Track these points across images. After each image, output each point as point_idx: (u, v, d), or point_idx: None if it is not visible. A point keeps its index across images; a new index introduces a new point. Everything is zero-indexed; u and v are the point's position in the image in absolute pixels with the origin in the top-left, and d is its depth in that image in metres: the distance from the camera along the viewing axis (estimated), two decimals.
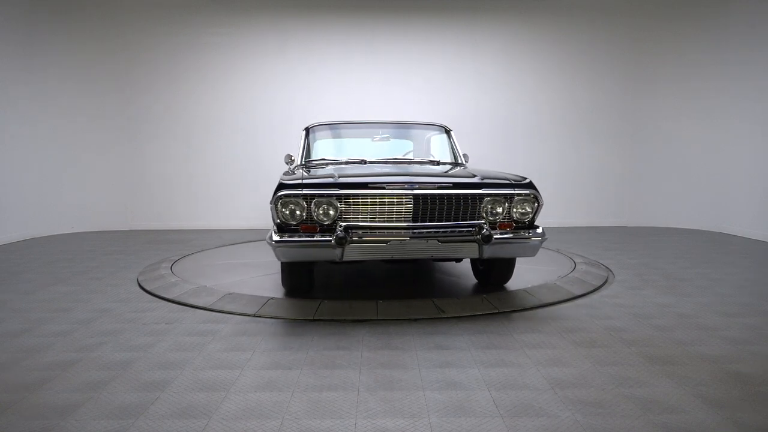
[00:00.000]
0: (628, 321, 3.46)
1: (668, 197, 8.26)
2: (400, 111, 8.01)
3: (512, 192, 3.57)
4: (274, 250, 3.44)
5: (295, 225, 3.47)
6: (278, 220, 3.46)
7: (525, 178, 3.72)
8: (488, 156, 8.14)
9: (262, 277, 4.66)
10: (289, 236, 3.41)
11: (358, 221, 3.45)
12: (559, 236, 7.15)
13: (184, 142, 8.21)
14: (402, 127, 5.20)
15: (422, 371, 2.65)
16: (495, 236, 3.45)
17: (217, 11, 8.05)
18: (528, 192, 3.60)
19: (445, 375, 2.60)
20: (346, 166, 4.35)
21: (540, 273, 4.72)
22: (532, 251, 3.64)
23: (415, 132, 5.18)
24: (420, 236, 3.40)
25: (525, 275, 4.64)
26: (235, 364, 2.76)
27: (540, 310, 3.71)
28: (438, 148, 4.90)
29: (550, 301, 3.89)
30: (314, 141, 4.95)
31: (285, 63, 8.15)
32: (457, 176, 3.81)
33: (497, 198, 3.56)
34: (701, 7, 7.79)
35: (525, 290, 4.07)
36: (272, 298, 3.89)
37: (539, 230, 3.64)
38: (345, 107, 8.07)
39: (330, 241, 3.32)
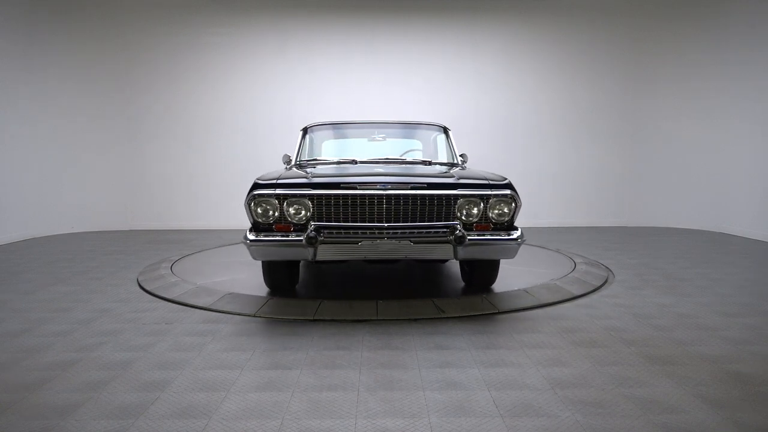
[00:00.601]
0: (628, 321, 3.46)
1: (668, 197, 8.26)
2: (400, 111, 8.01)
3: (488, 193, 3.49)
4: (249, 249, 3.50)
5: (269, 224, 3.52)
6: (252, 220, 3.53)
7: (504, 179, 3.63)
8: (488, 156, 8.14)
9: (261, 277, 4.65)
10: (263, 235, 3.47)
11: (330, 221, 3.46)
12: (559, 236, 7.15)
13: (184, 142, 8.21)
14: (399, 127, 5.20)
15: (422, 371, 2.65)
16: (469, 237, 3.40)
17: (217, 11, 8.05)
18: (504, 193, 3.50)
19: (445, 375, 2.60)
20: (336, 166, 4.41)
21: (540, 273, 4.72)
22: (509, 253, 3.57)
23: (413, 132, 5.17)
24: (392, 237, 3.40)
25: (525, 275, 4.64)
26: (235, 364, 2.76)
27: (540, 310, 3.71)
28: (435, 148, 4.89)
29: (550, 301, 3.89)
30: (311, 141, 4.98)
31: (285, 63, 8.15)
32: (433, 176, 3.74)
33: (472, 199, 3.49)
34: (701, 7, 7.79)
35: (525, 290, 4.07)
36: (272, 298, 3.89)
37: (517, 232, 3.55)
38: (345, 107, 8.07)
39: (301, 240, 3.35)
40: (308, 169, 4.17)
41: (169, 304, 3.92)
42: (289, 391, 2.43)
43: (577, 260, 5.26)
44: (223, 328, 3.33)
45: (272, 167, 6.99)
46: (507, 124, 8.28)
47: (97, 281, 4.67)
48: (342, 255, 3.46)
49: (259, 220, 3.52)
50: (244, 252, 6.03)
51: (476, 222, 3.54)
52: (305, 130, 5.07)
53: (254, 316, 3.58)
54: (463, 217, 3.52)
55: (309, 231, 3.36)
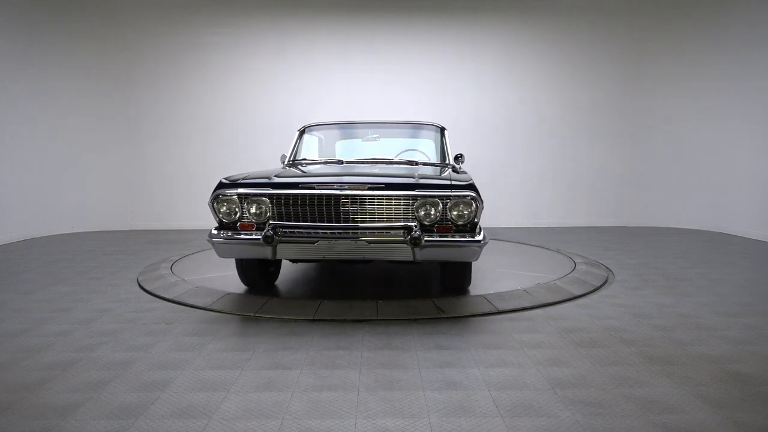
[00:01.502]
0: (628, 321, 3.46)
1: (668, 197, 8.26)
2: (400, 111, 8.01)
3: (448, 194, 3.40)
4: (213, 247, 3.60)
5: (233, 223, 3.60)
6: (217, 219, 3.63)
7: (467, 180, 3.54)
8: (488, 156, 8.15)
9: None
10: (224, 234, 3.57)
11: (290, 221, 3.50)
12: (559, 236, 7.15)
13: (184, 142, 8.21)
14: (395, 127, 5.19)
15: (422, 371, 2.65)
16: (427, 239, 3.34)
17: (217, 11, 8.05)
18: (464, 194, 3.40)
19: (445, 375, 2.60)
20: (320, 166, 4.50)
21: (540, 273, 4.72)
22: (469, 255, 3.47)
23: (408, 132, 5.15)
24: (348, 237, 3.39)
25: (525, 275, 4.64)
26: (235, 364, 2.76)
27: (540, 310, 3.71)
28: (429, 148, 4.85)
29: (550, 301, 3.89)
30: (307, 141, 5.06)
31: (285, 63, 8.15)
32: (393, 177, 3.73)
33: (431, 200, 3.41)
34: (701, 7, 7.79)
35: (525, 290, 4.07)
36: (272, 298, 3.89)
37: (479, 234, 3.47)
38: (345, 107, 8.07)
39: (259, 239, 3.42)
40: (292, 168, 4.24)
41: (169, 304, 3.92)
42: (289, 391, 2.43)
43: (577, 260, 5.26)
44: (223, 328, 3.33)
45: (272, 167, 7.02)
46: (507, 124, 8.28)
47: (97, 281, 4.66)
48: (300, 254, 3.53)
49: (223, 219, 3.62)
50: None
51: (437, 223, 3.46)
52: (302, 131, 5.17)
53: (254, 316, 3.58)
54: (422, 218, 3.45)
55: (266, 230, 3.41)
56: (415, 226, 3.37)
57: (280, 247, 3.45)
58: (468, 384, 2.50)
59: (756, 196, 7.03)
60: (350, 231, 3.41)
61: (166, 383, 2.52)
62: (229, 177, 3.75)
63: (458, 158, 4.77)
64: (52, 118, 7.62)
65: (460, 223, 3.45)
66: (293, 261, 4.08)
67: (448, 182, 3.49)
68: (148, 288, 4.34)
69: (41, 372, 2.65)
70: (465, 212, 3.43)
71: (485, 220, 8.29)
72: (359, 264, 5.05)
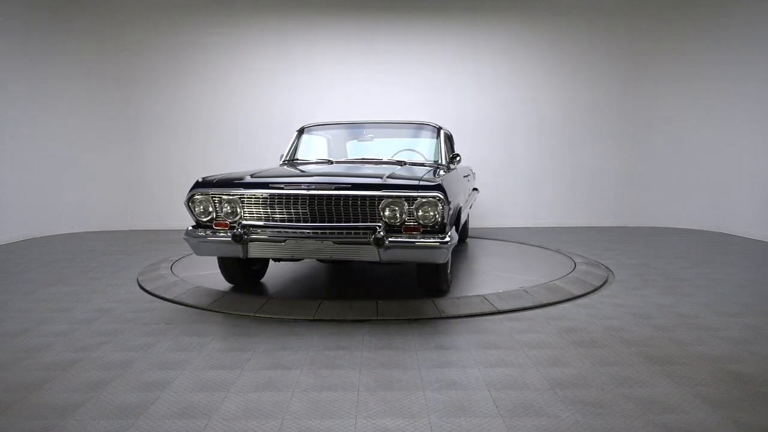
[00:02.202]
0: (628, 321, 3.46)
1: (668, 197, 8.25)
2: (400, 111, 8.01)
3: (413, 194, 3.35)
4: (189, 245, 3.71)
5: (208, 222, 3.71)
6: (193, 218, 3.74)
7: (435, 181, 3.47)
8: (488, 156, 8.15)
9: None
10: (198, 232, 3.68)
11: (260, 220, 3.58)
12: (559, 236, 7.15)
13: (185, 142, 8.21)
14: (391, 127, 5.20)
15: (422, 371, 2.65)
16: (390, 239, 3.32)
17: (217, 11, 8.05)
18: (430, 194, 3.35)
19: (445, 375, 2.60)
20: (312, 166, 4.58)
21: (540, 273, 4.72)
22: (435, 257, 3.39)
23: (404, 132, 5.15)
24: (315, 236, 3.43)
25: (525, 275, 4.64)
26: (235, 364, 2.76)
27: (540, 310, 3.71)
28: (425, 148, 4.84)
29: (550, 301, 3.89)
30: (304, 141, 5.12)
31: (285, 63, 8.15)
32: (361, 177, 3.73)
33: (396, 200, 3.38)
34: (701, 7, 7.79)
35: (525, 290, 4.07)
36: (272, 298, 3.89)
37: (446, 235, 3.40)
38: (345, 107, 8.07)
39: (229, 238, 3.51)
40: (284, 168, 4.33)
41: (169, 304, 3.92)
42: (289, 391, 2.44)
43: (577, 260, 5.26)
44: (223, 328, 3.34)
45: (268, 167, 7.03)
46: (507, 123, 8.28)
47: (97, 281, 4.67)
48: (271, 253, 3.56)
49: (198, 218, 3.73)
50: None
51: (405, 224, 3.44)
52: (300, 131, 5.24)
53: (254, 316, 3.59)
54: (388, 219, 3.43)
55: (236, 229, 3.49)
56: (379, 226, 3.36)
57: (251, 246, 3.52)
58: (468, 384, 2.50)
59: (756, 196, 7.03)
60: (318, 231, 3.46)
61: (166, 383, 2.52)
62: (206, 177, 3.83)
63: (454, 158, 4.75)
64: (52, 118, 7.62)
65: (426, 223, 3.41)
66: (275, 260, 4.09)
67: (415, 182, 3.44)
68: (148, 288, 4.34)
69: (41, 372, 2.65)
70: (431, 213, 3.39)
71: (485, 220, 8.29)
72: (358, 264, 5.06)
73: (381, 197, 3.39)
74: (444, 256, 3.41)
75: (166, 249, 6.30)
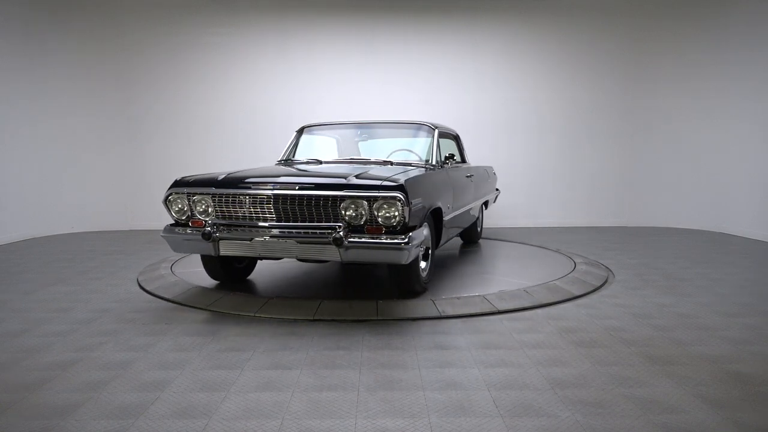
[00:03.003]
0: (628, 321, 3.46)
1: (668, 197, 8.25)
2: (400, 111, 8.01)
3: (374, 194, 3.34)
4: (167, 241, 3.85)
5: (185, 220, 3.82)
6: (171, 216, 3.86)
7: (397, 181, 3.43)
8: (488, 156, 8.14)
9: (261, 277, 4.66)
10: (174, 230, 3.79)
11: (230, 219, 3.68)
12: (559, 236, 7.16)
13: (185, 142, 8.21)
14: (387, 127, 5.20)
15: (422, 371, 2.65)
16: (350, 240, 3.32)
17: (217, 11, 8.05)
18: (388, 195, 3.32)
19: (445, 375, 2.60)
20: (302, 166, 4.67)
21: (540, 273, 4.72)
22: (396, 257, 3.36)
23: (399, 131, 5.14)
24: (278, 236, 3.50)
25: (525, 275, 4.64)
26: (235, 364, 2.76)
27: (540, 310, 3.71)
28: (419, 147, 4.82)
29: (550, 301, 3.89)
30: (301, 141, 5.20)
31: (285, 63, 8.15)
32: (325, 177, 3.74)
33: (357, 200, 3.37)
34: (701, 7, 7.79)
35: (525, 290, 4.07)
36: (272, 298, 3.89)
37: (406, 236, 3.34)
38: (345, 107, 8.07)
39: (198, 236, 3.62)
40: (277, 167, 4.44)
41: (169, 304, 3.92)
42: (289, 391, 2.44)
43: (577, 260, 5.25)
44: (223, 328, 3.34)
45: (265, 166, 7.04)
46: (507, 124, 8.28)
47: (97, 281, 4.67)
48: (240, 251, 3.64)
49: (175, 217, 3.85)
50: None
51: (368, 224, 3.43)
52: (299, 131, 5.32)
53: (254, 316, 3.59)
54: (350, 219, 3.42)
55: (205, 227, 3.60)
56: (339, 226, 3.37)
57: (222, 244, 3.61)
58: (468, 384, 2.50)
59: (756, 196, 7.03)
60: (283, 230, 3.52)
61: (166, 383, 2.52)
62: (183, 177, 3.93)
63: (448, 158, 4.73)
64: (52, 118, 7.62)
65: (388, 224, 3.39)
66: (259, 258, 4.11)
67: (376, 183, 3.43)
68: (148, 288, 4.34)
69: (41, 372, 2.65)
70: (392, 213, 3.37)
71: (485, 220, 8.29)
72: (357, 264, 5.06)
73: (342, 197, 3.40)
74: (406, 257, 3.36)
75: (166, 249, 6.30)
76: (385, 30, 8.16)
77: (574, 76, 8.26)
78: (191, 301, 3.90)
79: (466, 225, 5.65)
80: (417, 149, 4.77)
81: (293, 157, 5.05)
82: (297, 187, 3.49)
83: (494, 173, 6.96)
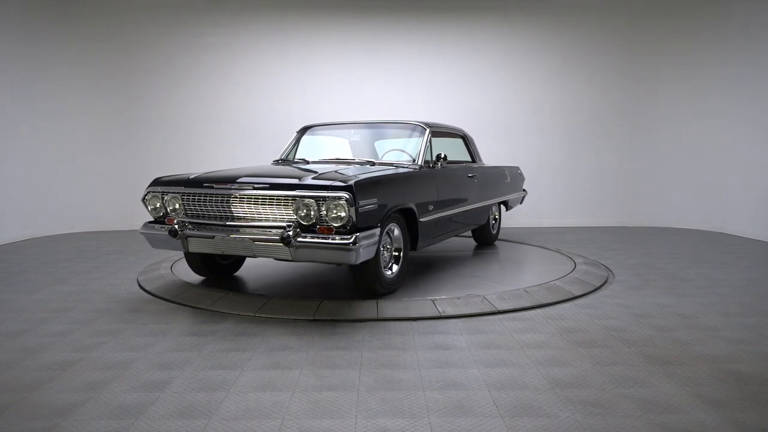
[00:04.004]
0: (628, 321, 3.46)
1: (668, 197, 8.25)
2: (400, 111, 8.01)
3: (323, 195, 3.38)
4: (145, 237, 4.02)
5: (161, 218, 4.00)
6: (149, 213, 4.04)
7: (346, 182, 3.43)
8: (488, 156, 8.13)
9: (262, 277, 4.66)
10: (151, 226, 3.97)
11: (197, 217, 3.85)
12: (559, 236, 7.16)
13: (185, 142, 8.21)
14: (380, 127, 5.21)
15: (422, 371, 2.65)
16: (299, 239, 3.35)
17: (217, 11, 8.05)
18: (335, 195, 3.34)
19: (445, 375, 2.61)
20: (285, 165, 4.77)
21: (540, 273, 4.72)
22: (344, 258, 3.36)
23: (392, 132, 5.14)
24: (237, 234, 3.60)
25: (525, 275, 4.64)
26: (235, 364, 2.76)
27: (540, 310, 3.71)
28: (408, 147, 4.80)
29: (550, 301, 3.89)
30: (299, 141, 5.28)
31: (285, 63, 8.15)
32: (281, 177, 3.78)
33: (307, 200, 3.41)
34: (701, 7, 7.79)
35: (525, 290, 4.07)
36: (272, 298, 3.89)
37: (353, 237, 3.31)
38: (345, 107, 8.07)
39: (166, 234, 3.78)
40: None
41: (169, 304, 3.92)
42: (289, 391, 2.44)
43: (577, 260, 5.25)
44: (223, 328, 3.34)
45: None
46: (507, 123, 8.28)
47: (97, 281, 4.67)
48: (205, 249, 3.77)
49: (153, 214, 4.03)
50: None
51: (317, 224, 3.45)
52: (300, 131, 5.39)
53: (254, 316, 3.59)
54: (301, 219, 3.45)
55: (172, 225, 3.74)
56: (289, 225, 3.42)
57: (192, 242, 3.75)
58: (468, 384, 2.50)
59: (756, 196, 7.03)
60: (240, 228, 3.64)
61: (166, 383, 2.52)
62: (161, 176, 4.10)
63: (439, 158, 4.68)
64: (52, 118, 7.62)
65: (336, 224, 3.41)
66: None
67: (326, 183, 3.47)
68: (148, 288, 4.34)
69: (41, 372, 2.65)
70: (340, 213, 3.38)
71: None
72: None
73: (294, 197, 3.46)
74: (354, 258, 3.34)
75: (167, 250, 6.30)
76: (385, 30, 8.15)
77: (574, 76, 8.27)
78: (191, 301, 3.90)
79: (473, 226, 5.62)
80: (406, 149, 4.76)
81: (292, 157, 5.11)
82: (252, 187, 3.61)
83: (519, 173, 6.83)
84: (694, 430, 2.07)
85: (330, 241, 3.34)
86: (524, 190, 7.05)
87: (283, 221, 3.52)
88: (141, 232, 4.03)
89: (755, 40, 7.02)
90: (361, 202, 3.40)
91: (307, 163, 4.79)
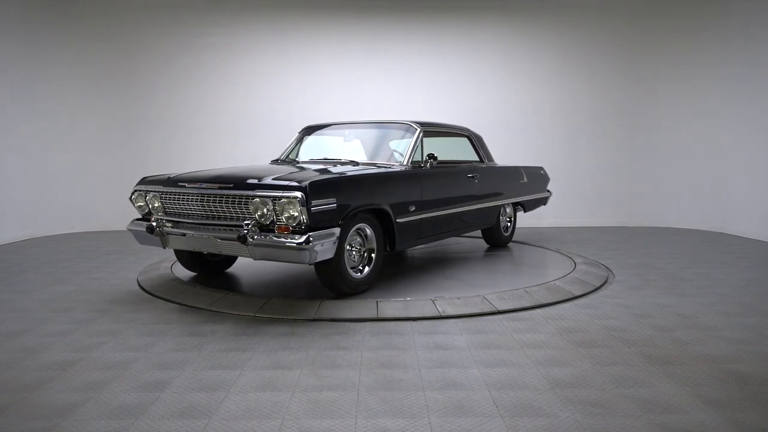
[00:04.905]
0: (628, 321, 3.46)
1: (668, 197, 8.25)
2: (401, 111, 8.00)
3: (276, 195, 3.43)
4: (132, 233, 4.21)
5: (146, 215, 4.17)
6: (137, 211, 4.24)
7: (301, 183, 3.44)
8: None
9: (262, 277, 4.66)
10: (135, 224, 4.17)
11: (173, 215, 4.00)
12: (559, 236, 7.16)
13: (185, 142, 8.20)
14: (372, 127, 5.20)
15: (422, 371, 2.65)
16: (255, 237, 3.41)
17: (217, 11, 8.05)
18: (288, 195, 3.38)
19: (445, 375, 2.61)
20: (274, 165, 4.83)
21: (540, 273, 4.72)
22: (297, 257, 3.40)
23: (384, 132, 5.11)
24: (204, 232, 3.73)
25: (525, 275, 4.64)
26: (235, 364, 2.76)
27: (540, 310, 3.71)
28: (401, 147, 4.77)
29: (550, 301, 3.89)
30: (298, 141, 5.33)
31: (285, 63, 8.15)
32: (244, 177, 3.80)
33: (264, 199, 3.47)
34: (701, 7, 7.79)
35: (525, 290, 4.07)
36: (272, 298, 3.89)
37: (305, 237, 3.33)
38: (345, 107, 8.07)
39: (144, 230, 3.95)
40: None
41: (169, 304, 3.92)
42: (289, 391, 2.44)
43: (577, 260, 5.25)
44: (223, 328, 3.34)
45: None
46: (507, 123, 8.27)
47: (97, 281, 4.67)
48: (180, 245, 3.96)
49: (140, 212, 4.22)
50: None
51: (275, 223, 3.48)
52: (303, 131, 5.44)
53: (254, 316, 3.59)
54: (259, 218, 3.51)
55: (150, 222, 3.94)
56: (247, 224, 3.45)
57: (170, 239, 3.91)
58: (468, 384, 2.50)
59: (756, 196, 7.03)
60: (207, 226, 3.77)
61: (166, 383, 2.52)
62: (147, 176, 4.30)
63: (430, 157, 4.65)
64: (51, 118, 7.62)
65: (290, 223, 3.44)
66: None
67: (282, 183, 3.51)
68: (148, 288, 4.34)
69: (41, 372, 2.65)
70: (292, 213, 3.42)
71: None
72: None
73: (252, 196, 3.52)
74: (307, 258, 3.38)
75: (167, 250, 6.30)
76: (385, 30, 8.15)
77: (573, 76, 8.27)
78: (191, 301, 3.90)
79: (478, 227, 5.57)
80: (395, 149, 4.75)
81: (293, 157, 5.17)
82: (218, 187, 3.70)
83: (542, 173, 6.68)
84: (694, 430, 2.07)
85: (283, 240, 3.39)
86: (548, 191, 6.84)
87: (244, 220, 3.58)
88: (129, 229, 4.20)
89: (755, 40, 7.02)
90: (315, 203, 3.43)
91: (297, 163, 4.84)
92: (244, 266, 5.00)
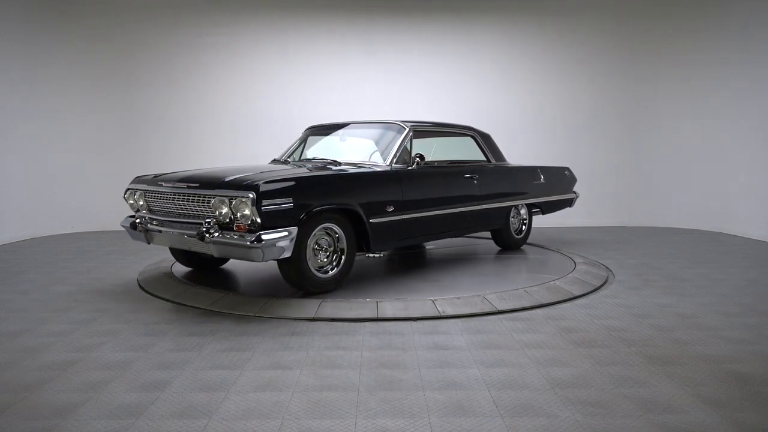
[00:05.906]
0: (628, 321, 3.46)
1: (668, 197, 8.25)
2: (400, 111, 8.01)
3: (230, 194, 3.52)
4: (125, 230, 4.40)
5: (137, 213, 4.35)
6: (130, 209, 4.42)
7: (254, 183, 3.49)
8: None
9: (262, 277, 4.66)
10: (127, 221, 4.37)
11: (153, 213, 4.19)
12: (559, 236, 7.16)
13: (185, 142, 8.20)
14: (362, 127, 5.21)
15: (422, 371, 2.65)
16: (213, 235, 3.51)
17: (217, 11, 8.05)
18: (240, 194, 3.46)
19: (445, 375, 2.61)
20: (274, 165, 4.90)
21: (540, 273, 4.72)
22: (249, 255, 3.48)
23: (372, 131, 5.09)
24: (174, 229, 3.90)
25: (525, 275, 4.64)
26: (235, 364, 2.76)
27: (540, 310, 3.71)
28: (386, 147, 4.74)
29: (550, 301, 3.89)
30: (302, 142, 5.38)
31: (285, 63, 8.15)
32: (210, 177, 3.90)
33: (222, 199, 3.56)
34: (701, 7, 7.79)
35: (525, 290, 4.07)
36: (272, 298, 3.89)
37: (255, 236, 3.39)
38: (345, 107, 8.07)
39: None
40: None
41: (169, 304, 3.92)
42: (289, 391, 2.44)
43: (577, 260, 5.25)
44: (223, 328, 3.34)
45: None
46: (507, 123, 8.27)
47: (97, 281, 4.67)
48: (159, 242, 4.11)
49: (132, 209, 4.41)
50: None
51: (234, 222, 3.56)
52: (306, 131, 5.49)
53: (254, 316, 3.59)
54: (219, 216, 3.60)
55: (134, 219, 4.16)
56: (208, 222, 3.57)
57: (154, 235, 4.08)
58: (468, 384, 2.50)
59: (756, 196, 7.03)
60: (178, 224, 3.93)
61: (166, 383, 2.52)
62: (139, 175, 4.47)
63: (418, 157, 4.61)
64: (52, 118, 7.62)
65: (245, 222, 3.51)
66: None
67: (237, 183, 3.60)
68: (148, 288, 4.34)
69: (41, 372, 2.65)
70: (245, 212, 3.48)
71: None
72: (359, 263, 5.07)
73: (211, 195, 3.63)
74: (259, 256, 3.46)
75: (166, 249, 6.30)
76: (385, 30, 8.16)
77: (573, 76, 8.27)
78: (191, 301, 3.90)
79: (480, 228, 5.47)
80: (380, 148, 4.73)
81: (295, 156, 5.22)
82: (186, 186, 3.84)
83: (566, 174, 6.46)
84: (694, 430, 2.07)
85: (236, 239, 3.49)
86: (574, 192, 6.59)
87: (208, 218, 3.66)
88: (121, 225, 4.46)
89: (755, 40, 7.02)
90: (266, 202, 3.47)
91: (287, 163, 4.96)
92: (244, 266, 5.00)
